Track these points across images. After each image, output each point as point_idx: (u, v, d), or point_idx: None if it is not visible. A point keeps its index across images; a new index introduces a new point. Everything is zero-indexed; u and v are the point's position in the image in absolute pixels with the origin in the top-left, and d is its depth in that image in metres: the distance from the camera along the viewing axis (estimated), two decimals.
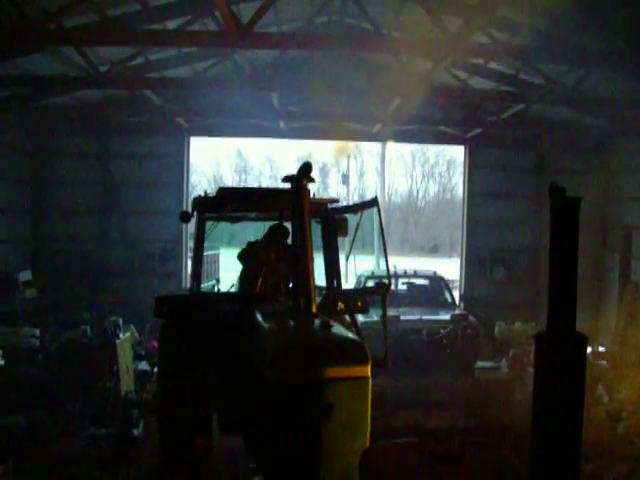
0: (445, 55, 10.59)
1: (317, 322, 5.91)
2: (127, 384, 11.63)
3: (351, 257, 8.65)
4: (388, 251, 8.16)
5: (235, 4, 11.93)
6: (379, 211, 7.79)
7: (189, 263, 17.42)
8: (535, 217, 18.42)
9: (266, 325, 6.32)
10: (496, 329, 16.47)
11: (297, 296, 6.63)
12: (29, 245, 18.16)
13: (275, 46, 10.36)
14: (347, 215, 8.60)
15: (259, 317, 6.66)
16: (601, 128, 16.23)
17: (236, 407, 6.80)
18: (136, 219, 18.52)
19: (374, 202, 7.90)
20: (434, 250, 52.55)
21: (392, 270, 16.59)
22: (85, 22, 11.59)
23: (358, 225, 8.36)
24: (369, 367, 5.31)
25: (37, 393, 11.11)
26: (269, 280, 8.26)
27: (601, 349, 14.95)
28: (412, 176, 65.28)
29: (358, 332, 7.82)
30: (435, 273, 15.91)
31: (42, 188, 18.38)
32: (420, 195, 66.69)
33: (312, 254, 6.48)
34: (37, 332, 13.74)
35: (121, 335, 12.37)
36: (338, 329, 5.90)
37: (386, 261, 8.09)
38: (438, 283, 15.45)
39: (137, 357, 13.69)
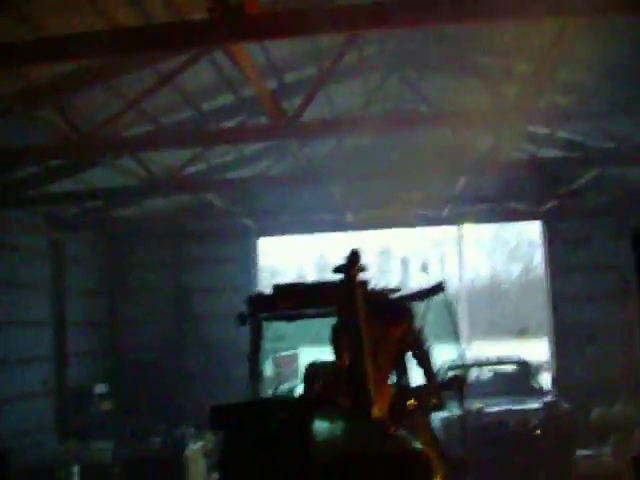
0: (504, 123, 10.12)
1: (375, 429, 5.27)
2: None
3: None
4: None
5: (287, 100, 11.88)
6: (446, 296, 7.26)
7: (266, 364, 16.93)
8: (621, 289, 17.26)
9: (318, 434, 5.70)
10: (592, 413, 15.11)
11: (356, 399, 6.03)
12: (105, 357, 18.11)
13: (320, 132, 10.16)
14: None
15: (313, 425, 6.04)
16: None
17: None
18: (209, 324, 18.26)
19: (440, 287, 7.36)
20: (522, 333, 50.42)
21: (475, 357, 15.78)
22: (140, 132, 11.72)
23: (425, 313, 7.78)
24: None
25: None
26: (331, 382, 7.65)
27: None
28: (493, 259, 63.73)
29: (432, 435, 7.09)
30: (520, 358, 14.87)
31: (116, 298, 18.49)
32: (503, 277, 64.88)
33: (367, 351, 5.92)
34: (110, 445, 13.39)
35: (191, 445, 11.87)
36: (400, 437, 5.23)
37: (459, 350, 7.44)
38: (524, 369, 14.39)
39: (213, 466, 13.08)
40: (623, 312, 17.21)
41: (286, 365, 19.29)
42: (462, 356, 7.33)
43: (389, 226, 18.57)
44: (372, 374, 6.02)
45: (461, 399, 7.67)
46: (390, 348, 7.20)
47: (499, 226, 55.04)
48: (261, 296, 7.83)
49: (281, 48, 11.59)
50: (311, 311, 8.56)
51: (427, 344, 7.72)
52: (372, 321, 7.03)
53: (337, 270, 6.24)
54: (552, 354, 18.23)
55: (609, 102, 11.28)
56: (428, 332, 7.92)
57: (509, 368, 14.77)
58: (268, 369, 16.56)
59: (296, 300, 7.61)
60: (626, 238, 17.18)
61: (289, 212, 17.19)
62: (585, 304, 17.62)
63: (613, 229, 17.76)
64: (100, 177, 13.72)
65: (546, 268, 18.79)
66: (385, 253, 58.97)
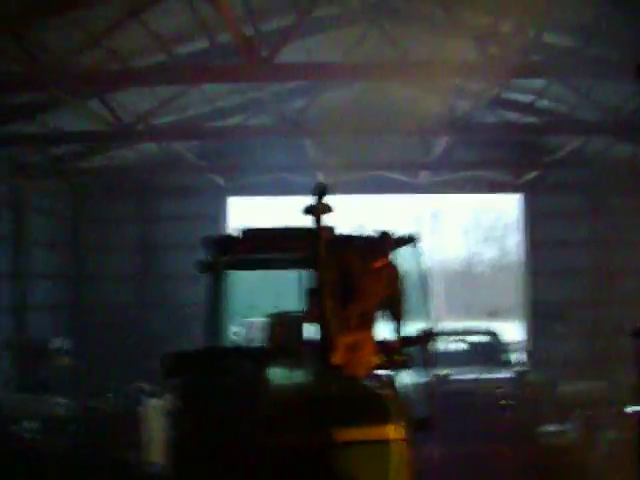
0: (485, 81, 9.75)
1: (333, 376, 4.89)
2: (153, 455, 10.60)
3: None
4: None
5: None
6: (418, 250, 6.83)
7: (231, 327, 16.54)
8: (598, 265, 17.13)
9: (271, 381, 5.31)
10: (559, 389, 14.90)
11: (318, 347, 5.63)
12: (67, 312, 17.58)
13: (293, 75, 9.75)
14: None
15: (267, 373, 5.65)
16: None
17: None
18: (175, 283, 17.75)
19: (411, 239, 6.88)
20: (494, 314, 50.59)
21: (444, 327, 15.51)
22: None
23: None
24: (391, 428, 4.21)
25: (60, 467, 10.21)
26: (293, 332, 7.23)
27: None
28: (469, 241, 63.57)
29: (394, 391, 6.72)
30: (490, 329, 14.60)
31: (79, 253, 17.92)
32: (477, 260, 64.86)
33: (332, 296, 5.53)
34: (65, 401, 12.92)
35: (148, 402, 11.42)
36: (358, 383, 4.88)
37: (427, 306, 7.04)
38: (493, 340, 14.13)
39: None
40: (597, 289, 17.13)
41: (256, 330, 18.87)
42: (431, 324, 6.89)
43: (363, 191, 18.10)
44: (337, 321, 5.65)
45: (428, 358, 7.30)
46: (373, 289, 6.76)
47: (475, 208, 55.05)
48: (226, 237, 7.27)
49: None
50: (280, 259, 7.99)
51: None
52: (352, 260, 6.59)
53: (308, 211, 5.80)
54: (524, 330, 18.06)
55: (593, 67, 11.04)
56: None
57: (478, 339, 14.50)
58: (236, 331, 16.13)
59: (264, 244, 7.10)
60: (604, 214, 17.07)
61: (260, 171, 16.73)
62: (560, 280, 17.42)
63: (591, 204, 17.55)
64: (67, 122, 13.15)
65: (523, 243, 18.53)
66: (360, 228, 58.67)
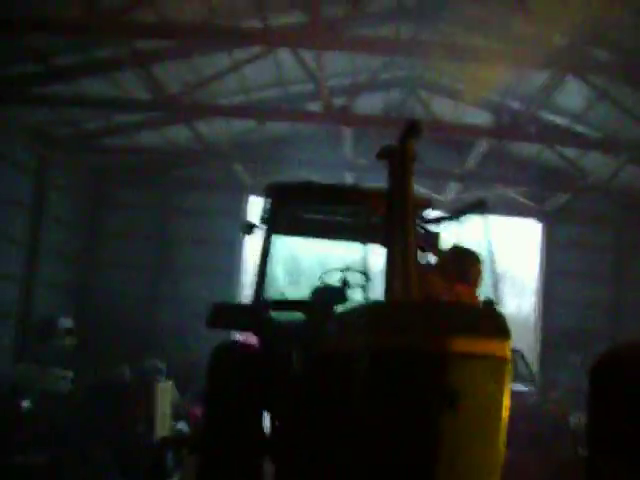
0: None
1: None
2: (163, 431, 10.16)
3: None
4: None
5: None
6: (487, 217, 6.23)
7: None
8: (614, 298, 16.93)
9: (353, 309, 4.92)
10: (572, 420, 14.44)
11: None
12: (76, 293, 17.06)
13: None
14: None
15: (341, 310, 5.25)
16: None
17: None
18: (189, 277, 17.31)
19: (481, 204, 6.13)
20: None
21: None
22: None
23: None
24: (509, 344, 3.77)
25: (61, 434, 9.69)
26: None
27: None
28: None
29: None
30: (514, 347, 14.28)
31: (95, 237, 17.49)
32: None
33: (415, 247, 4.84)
34: (70, 374, 12.44)
35: (162, 380, 11.00)
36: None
37: (496, 282, 6.35)
38: (515, 356, 13.81)
39: (176, 417, 12.15)
40: (612, 322, 16.89)
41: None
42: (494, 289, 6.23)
43: None
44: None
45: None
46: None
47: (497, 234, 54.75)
48: (289, 185, 6.61)
49: None
50: (343, 217, 7.00)
51: None
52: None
53: (382, 154, 4.73)
54: (537, 357, 17.72)
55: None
56: None
57: None
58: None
59: (331, 196, 6.36)
60: (622, 248, 16.76)
61: (285, 170, 16.45)
62: (574, 310, 17.13)
63: (611, 238, 17.36)
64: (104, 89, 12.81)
65: (541, 269, 18.27)
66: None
